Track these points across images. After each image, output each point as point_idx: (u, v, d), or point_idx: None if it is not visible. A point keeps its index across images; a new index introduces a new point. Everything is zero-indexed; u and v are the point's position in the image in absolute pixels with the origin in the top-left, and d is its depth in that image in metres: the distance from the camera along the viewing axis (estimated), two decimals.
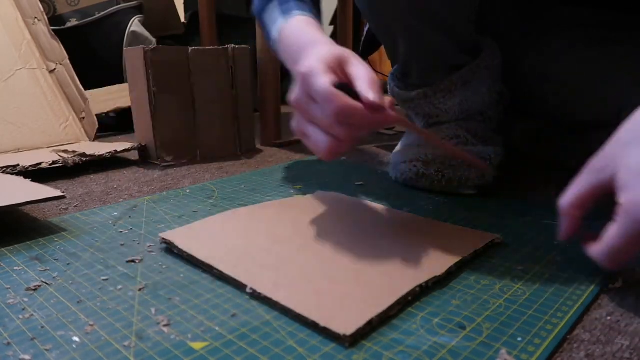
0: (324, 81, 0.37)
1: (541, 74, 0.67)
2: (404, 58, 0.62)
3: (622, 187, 0.32)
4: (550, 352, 0.29)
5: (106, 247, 0.45)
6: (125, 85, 1.10)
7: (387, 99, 0.39)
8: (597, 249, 0.35)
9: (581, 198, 0.36)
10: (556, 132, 0.72)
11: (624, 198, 0.32)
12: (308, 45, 0.47)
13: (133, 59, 0.77)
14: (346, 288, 0.35)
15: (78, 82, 0.96)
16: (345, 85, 0.38)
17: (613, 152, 0.34)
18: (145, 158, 0.83)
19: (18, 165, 0.67)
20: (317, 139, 0.40)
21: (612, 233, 0.33)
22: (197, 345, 0.30)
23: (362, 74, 0.39)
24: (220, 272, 0.38)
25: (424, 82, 0.61)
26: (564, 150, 0.68)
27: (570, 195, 0.37)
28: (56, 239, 0.47)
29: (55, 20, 1.21)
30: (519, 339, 0.30)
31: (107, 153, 0.76)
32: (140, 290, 0.37)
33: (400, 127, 1.19)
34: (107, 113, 1.10)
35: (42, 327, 0.32)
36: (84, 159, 0.74)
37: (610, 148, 0.35)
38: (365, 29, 0.82)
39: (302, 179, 0.69)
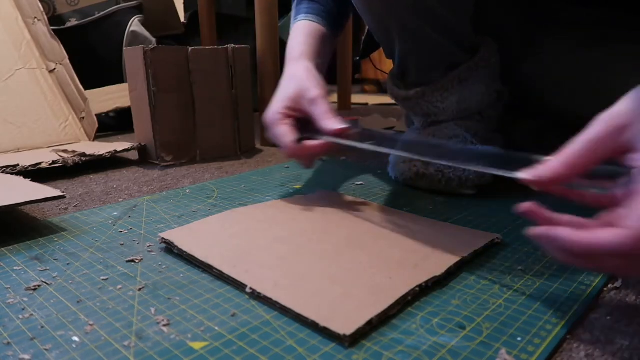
0: (285, 142, 0.50)
1: (542, 74, 0.66)
2: (402, 56, 0.62)
3: None
4: (550, 352, 0.29)
5: (106, 247, 0.45)
6: (125, 85, 1.10)
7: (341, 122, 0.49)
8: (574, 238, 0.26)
9: (590, 159, 0.27)
10: (557, 132, 0.72)
11: None
12: (289, 62, 0.58)
13: (133, 58, 0.77)
14: (346, 288, 0.35)
15: (78, 82, 0.96)
16: (304, 138, 0.51)
17: None
18: (145, 158, 0.83)
19: (18, 165, 0.67)
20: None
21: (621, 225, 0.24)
22: (197, 345, 0.30)
23: (319, 111, 0.50)
24: (220, 272, 0.38)
25: (421, 80, 0.61)
26: None
27: (574, 154, 0.28)
28: (56, 239, 0.47)
29: (55, 20, 1.21)
30: (519, 338, 0.30)
31: (107, 153, 0.76)
32: (140, 290, 0.37)
33: (400, 127, 1.19)
34: (107, 113, 1.10)
35: (42, 327, 0.32)
36: (84, 159, 0.74)
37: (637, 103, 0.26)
38: (366, 29, 0.82)
39: (302, 179, 0.69)
